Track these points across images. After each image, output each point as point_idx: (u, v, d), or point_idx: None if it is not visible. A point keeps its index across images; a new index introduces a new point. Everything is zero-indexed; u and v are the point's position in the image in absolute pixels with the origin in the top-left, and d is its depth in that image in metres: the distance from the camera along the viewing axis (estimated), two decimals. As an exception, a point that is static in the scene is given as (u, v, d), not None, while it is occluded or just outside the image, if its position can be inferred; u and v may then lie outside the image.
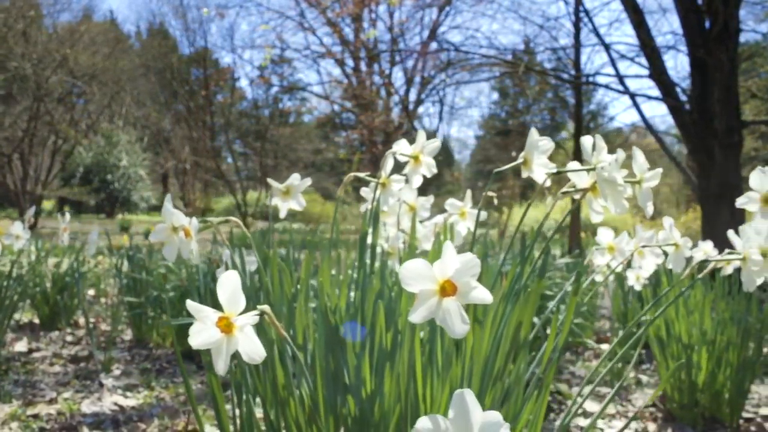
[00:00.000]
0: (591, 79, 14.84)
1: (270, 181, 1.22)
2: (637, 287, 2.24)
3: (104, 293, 4.28)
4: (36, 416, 1.90)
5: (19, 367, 2.56)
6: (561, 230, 15.73)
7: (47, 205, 18.44)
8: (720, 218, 6.42)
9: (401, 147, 1.17)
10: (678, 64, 25.18)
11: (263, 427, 0.97)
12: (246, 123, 23.09)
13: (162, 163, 21.06)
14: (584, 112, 22.78)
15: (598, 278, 2.08)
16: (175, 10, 20.01)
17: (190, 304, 0.64)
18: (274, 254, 0.94)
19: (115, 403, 2.07)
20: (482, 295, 0.63)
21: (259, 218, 17.97)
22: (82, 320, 3.59)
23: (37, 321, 3.56)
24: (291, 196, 1.21)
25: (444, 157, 32.98)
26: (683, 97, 8.21)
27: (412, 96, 20.05)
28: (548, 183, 1.00)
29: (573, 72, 14.99)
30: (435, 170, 1.17)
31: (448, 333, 0.63)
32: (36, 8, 14.69)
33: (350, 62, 19.10)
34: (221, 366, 0.65)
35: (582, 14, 11.90)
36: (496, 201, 1.20)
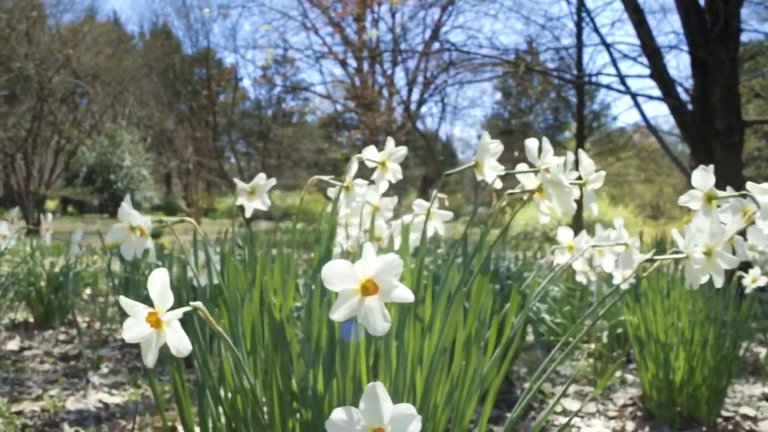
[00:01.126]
0: (594, 78, 14.81)
1: (236, 180, 1.25)
2: (624, 286, 2.26)
3: (100, 292, 4.32)
4: (20, 413, 1.93)
5: (9, 365, 2.59)
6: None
7: (51, 204, 18.52)
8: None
9: (369, 153, 1.20)
10: (681, 64, 25.09)
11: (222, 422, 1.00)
12: (249, 123, 23.17)
13: (165, 163, 21.13)
14: (587, 112, 22.77)
15: (579, 278, 2.10)
16: (178, 11, 20.10)
17: (123, 300, 0.67)
18: (230, 253, 0.96)
19: (100, 401, 2.10)
20: (404, 294, 0.66)
21: (263, 218, 18.02)
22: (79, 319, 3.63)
23: (32, 320, 3.59)
24: (257, 195, 1.24)
25: (446, 156, 32.94)
26: (687, 97, 8.22)
27: (415, 96, 20.07)
28: (499, 184, 1.02)
29: (575, 72, 15.01)
30: (400, 176, 1.20)
31: (369, 331, 0.66)
32: (39, 9, 14.76)
33: (353, 62, 19.17)
34: (150, 359, 0.68)
35: (584, 14, 11.92)
36: (447, 203, 1.22)
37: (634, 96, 9.62)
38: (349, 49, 18.69)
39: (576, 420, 2.15)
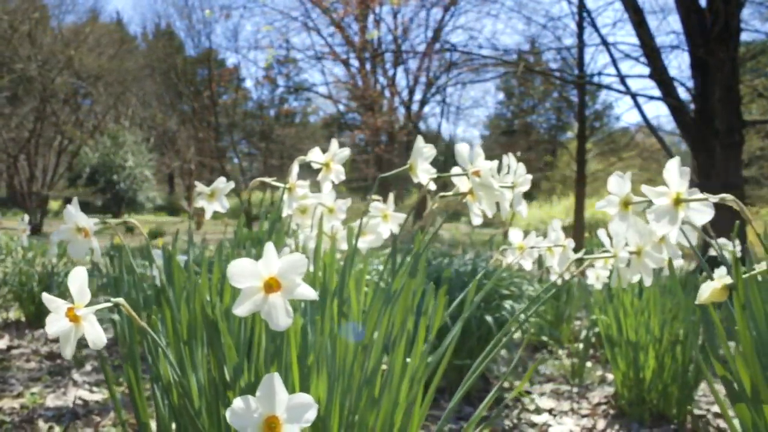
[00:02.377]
0: (595, 79, 14.77)
1: (197, 183, 1.29)
2: (597, 286, 2.28)
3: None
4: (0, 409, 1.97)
5: (-7, 363, 2.64)
6: (564, 230, 15.71)
7: (54, 205, 18.61)
8: (721, 218, 6.45)
9: (314, 155, 1.24)
10: (681, 64, 25.03)
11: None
12: (251, 123, 23.22)
13: (168, 163, 21.22)
14: (589, 112, 22.70)
15: (553, 278, 2.13)
16: (180, 11, 20.17)
17: (46, 297, 0.71)
18: (174, 252, 1.00)
19: (80, 398, 2.14)
20: (307, 292, 0.70)
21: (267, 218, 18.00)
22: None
23: (24, 319, 3.64)
24: (216, 198, 1.28)
25: (449, 156, 32.93)
26: (688, 97, 8.23)
27: (417, 96, 20.09)
28: (433, 186, 1.05)
29: (577, 72, 14.99)
30: (343, 177, 1.23)
31: (271, 326, 0.70)
32: (41, 10, 14.85)
33: (355, 63, 19.20)
34: (68, 352, 0.72)
35: (585, 13, 11.92)
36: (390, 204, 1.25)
37: (634, 96, 9.64)
38: (351, 50, 18.73)
39: (548, 418, 2.18)
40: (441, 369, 1.04)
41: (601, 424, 2.13)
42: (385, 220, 1.36)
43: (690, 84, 8.37)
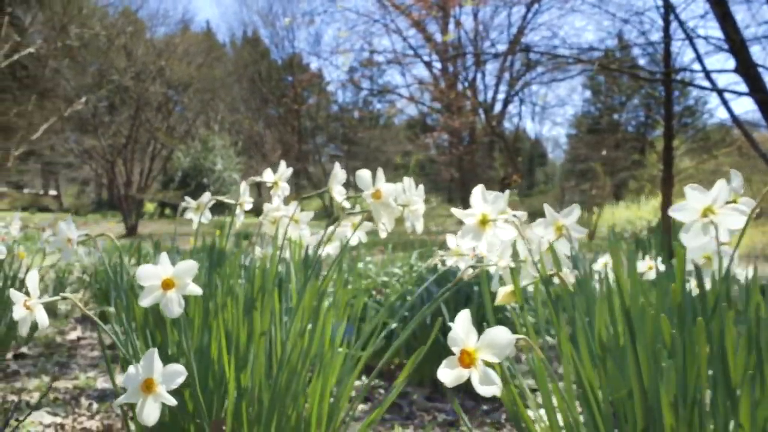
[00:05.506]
0: (681, 75, 14.32)
1: (186, 198, 1.51)
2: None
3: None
4: (56, 389, 2.28)
5: (64, 352, 2.98)
6: (652, 231, 15.29)
7: (149, 207, 19.70)
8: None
9: (265, 176, 1.44)
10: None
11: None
12: (335, 126, 23.77)
13: (255, 166, 22.03)
14: (681, 108, 21.93)
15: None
16: (264, 19, 20.90)
17: (12, 293, 0.95)
18: (137, 248, 1.23)
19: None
20: (195, 289, 0.91)
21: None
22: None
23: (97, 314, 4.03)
24: (201, 211, 1.49)
25: (537, 156, 32.46)
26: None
27: (501, 95, 20.05)
28: (347, 205, 1.23)
29: (663, 68, 14.58)
30: (288, 193, 1.42)
31: (167, 314, 0.91)
32: (136, 23, 15.81)
33: (437, 64, 19.38)
34: (24, 331, 0.97)
35: (669, 7, 11.59)
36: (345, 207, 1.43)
37: (720, 92, 9.34)
38: (432, 51, 18.89)
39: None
40: (365, 356, 1.21)
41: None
42: (353, 227, 1.54)
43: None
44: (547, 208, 1.09)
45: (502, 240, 0.96)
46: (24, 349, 2.89)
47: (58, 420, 1.89)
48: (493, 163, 20.91)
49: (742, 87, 8.13)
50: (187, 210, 1.48)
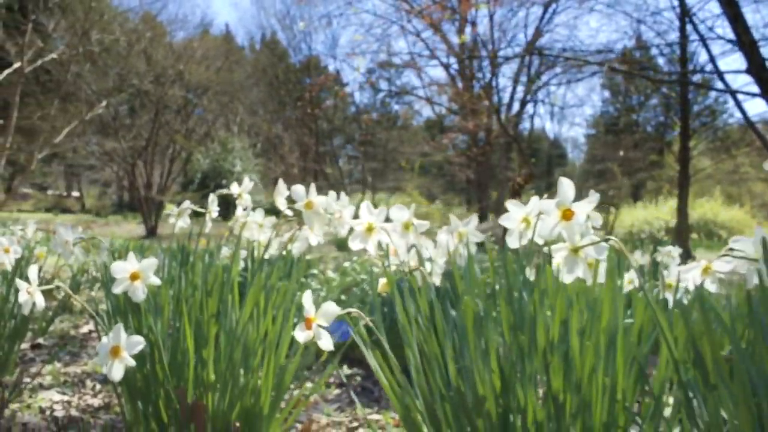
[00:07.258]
0: (694, 77, 14.35)
1: (172, 206, 1.75)
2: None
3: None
4: (65, 373, 2.54)
5: (76, 343, 3.25)
6: (669, 232, 15.34)
7: (169, 209, 20.01)
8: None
9: (233, 188, 1.67)
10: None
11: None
12: (352, 127, 24.00)
13: (273, 168, 22.36)
14: (700, 108, 21.84)
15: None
16: (281, 22, 21.22)
17: (18, 282, 1.20)
18: (134, 245, 1.47)
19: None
20: (156, 280, 1.15)
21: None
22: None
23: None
24: (180, 217, 1.73)
25: (555, 156, 32.44)
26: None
27: (518, 95, 20.17)
28: (290, 213, 1.46)
29: (679, 69, 14.62)
30: (250, 204, 1.65)
31: (133, 299, 1.15)
32: (155, 28, 16.20)
33: (454, 66, 19.54)
34: (26, 311, 1.21)
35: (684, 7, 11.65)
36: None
37: (733, 93, 9.42)
38: (450, 53, 19.05)
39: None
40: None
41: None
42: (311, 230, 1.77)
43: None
44: (452, 218, 1.31)
45: (399, 244, 1.19)
46: (40, 340, 3.16)
47: (66, 398, 2.15)
48: (510, 164, 21.02)
49: (756, 88, 8.22)
50: (170, 216, 1.71)
